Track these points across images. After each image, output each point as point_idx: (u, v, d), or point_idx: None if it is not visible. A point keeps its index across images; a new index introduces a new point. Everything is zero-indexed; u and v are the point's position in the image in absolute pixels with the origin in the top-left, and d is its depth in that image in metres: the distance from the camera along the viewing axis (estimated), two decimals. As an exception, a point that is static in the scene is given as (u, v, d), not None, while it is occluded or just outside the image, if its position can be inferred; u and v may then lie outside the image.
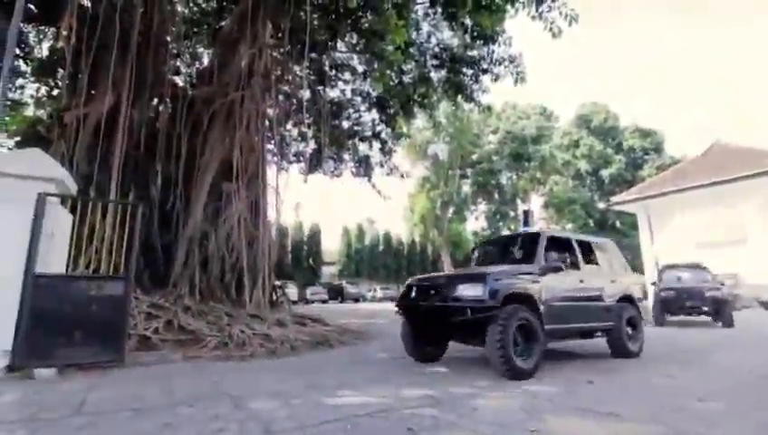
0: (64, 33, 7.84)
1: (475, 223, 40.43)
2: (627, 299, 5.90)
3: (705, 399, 3.45)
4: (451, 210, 35.49)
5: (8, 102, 10.78)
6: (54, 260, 4.71)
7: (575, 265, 5.48)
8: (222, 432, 2.61)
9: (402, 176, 17.23)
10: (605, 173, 39.55)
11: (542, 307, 4.59)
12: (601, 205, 37.00)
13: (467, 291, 4.37)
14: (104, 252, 6.47)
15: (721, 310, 10.57)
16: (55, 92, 11.06)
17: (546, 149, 35.96)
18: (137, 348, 5.68)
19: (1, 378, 4.14)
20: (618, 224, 38.05)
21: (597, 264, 5.92)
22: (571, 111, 55.28)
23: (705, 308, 10.80)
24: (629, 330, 5.76)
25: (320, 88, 13.42)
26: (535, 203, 38.26)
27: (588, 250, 5.97)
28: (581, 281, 5.34)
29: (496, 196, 36.31)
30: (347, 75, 14.04)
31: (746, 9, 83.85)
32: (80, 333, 4.53)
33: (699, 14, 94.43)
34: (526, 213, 19.21)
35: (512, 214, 35.56)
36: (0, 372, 4.19)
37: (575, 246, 5.69)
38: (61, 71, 10.23)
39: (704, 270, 12.33)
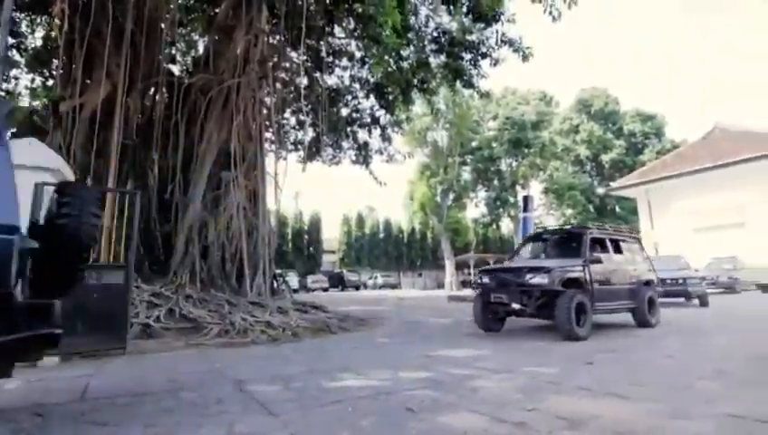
0: (57, 21, 7.75)
1: (476, 210, 40.43)
2: None
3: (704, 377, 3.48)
4: (451, 197, 35.41)
5: (3, 93, 10.69)
6: (54, 250, 4.70)
7: None
8: (224, 415, 2.63)
9: (404, 157, 17.20)
10: (605, 158, 39.35)
11: None
12: (601, 190, 36.91)
13: None
14: (104, 241, 6.49)
15: (549, 307, 5.84)
16: (50, 83, 10.96)
17: (546, 135, 35.72)
18: (139, 336, 5.72)
19: (5, 366, 4.17)
20: (618, 209, 38.02)
21: None
22: (570, 96, 54.98)
23: (515, 305, 6.15)
24: None
25: (317, 75, 13.28)
26: (535, 189, 38.17)
27: None
28: None
29: (496, 182, 36.15)
30: (345, 61, 13.88)
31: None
32: (82, 322, 4.55)
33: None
34: (526, 199, 19.19)
35: (512, 200, 35.45)
36: (3, 360, 4.22)
37: None
38: (55, 61, 10.12)
39: (577, 238, 6.87)
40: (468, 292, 25.71)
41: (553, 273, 5.93)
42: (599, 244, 7.01)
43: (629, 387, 3.20)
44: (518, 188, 35.48)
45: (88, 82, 8.44)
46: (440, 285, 36.07)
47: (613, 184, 27.57)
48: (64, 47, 7.78)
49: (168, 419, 2.58)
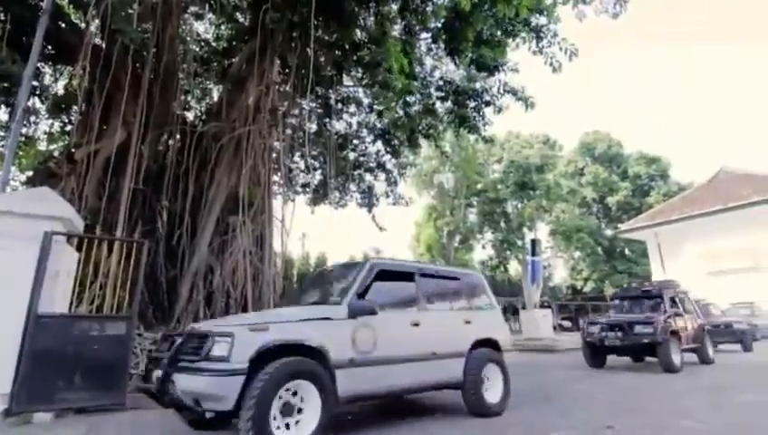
0: (79, 73, 8.10)
1: (483, 252, 40.06)
2: None
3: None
4: (458, 239, 35.28)
5: (22, 138, 11.03)
6: (58, 299, 4.65)
7: None
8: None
9: (406, 203, 17.24)
10: (612, 200, 39.29)
11: None
12: (609, 232, 36.60)
13: None
14: (109, 288, 6.44)
15: None
16: (68, 128, 11.32)
17: (551, 177, 35.93)
18: (138, 389, 5.53)
19: (-3, 423, 4.01)
20: (627, 251, 37.52)
21: None
22: (574, 139, 55.85)
23: None
24: None
25: (326, 120, 13.64)
26: (542, 231, 37.89)
27: None
28: None
29: (503, 224, 36.04)
30: (352, 108, 14.29)
31: (752, 32, 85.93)
32: (80, 376, 4.42)
33: (701, 39, 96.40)
34: (533, 242, 19.04)
35: (519, 243, 35.16)
36: (-3, 416, 4.06)
37: None
38: (74, 107, 10.50)
39: None
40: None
41: None
42: None
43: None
44: (525, 229, 35.30)
45: (104, 128, 8.69)
46: (448, 329, 35.15)
47: (621, 226, 27.34)
48: (84, 95, 8.07)
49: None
